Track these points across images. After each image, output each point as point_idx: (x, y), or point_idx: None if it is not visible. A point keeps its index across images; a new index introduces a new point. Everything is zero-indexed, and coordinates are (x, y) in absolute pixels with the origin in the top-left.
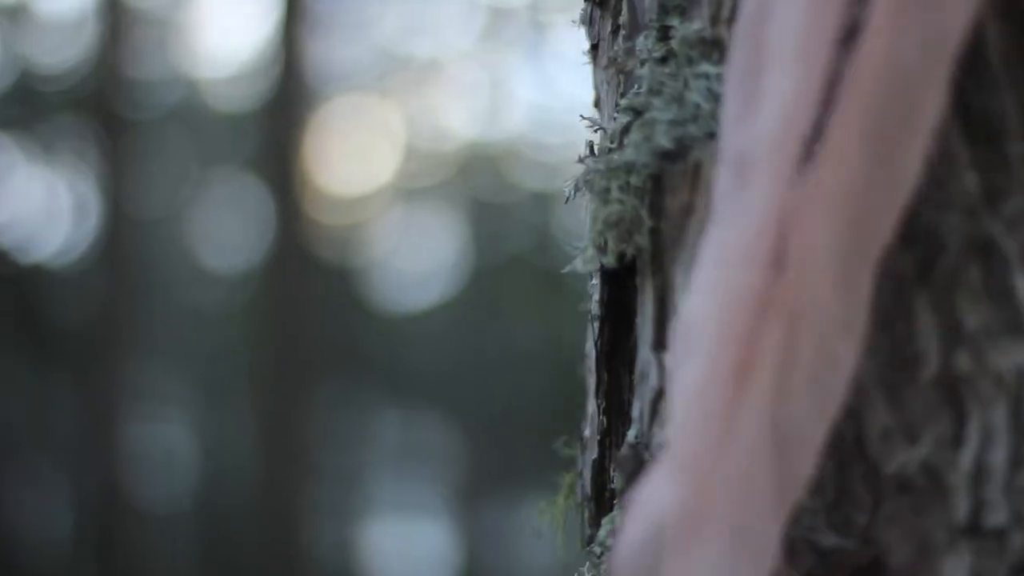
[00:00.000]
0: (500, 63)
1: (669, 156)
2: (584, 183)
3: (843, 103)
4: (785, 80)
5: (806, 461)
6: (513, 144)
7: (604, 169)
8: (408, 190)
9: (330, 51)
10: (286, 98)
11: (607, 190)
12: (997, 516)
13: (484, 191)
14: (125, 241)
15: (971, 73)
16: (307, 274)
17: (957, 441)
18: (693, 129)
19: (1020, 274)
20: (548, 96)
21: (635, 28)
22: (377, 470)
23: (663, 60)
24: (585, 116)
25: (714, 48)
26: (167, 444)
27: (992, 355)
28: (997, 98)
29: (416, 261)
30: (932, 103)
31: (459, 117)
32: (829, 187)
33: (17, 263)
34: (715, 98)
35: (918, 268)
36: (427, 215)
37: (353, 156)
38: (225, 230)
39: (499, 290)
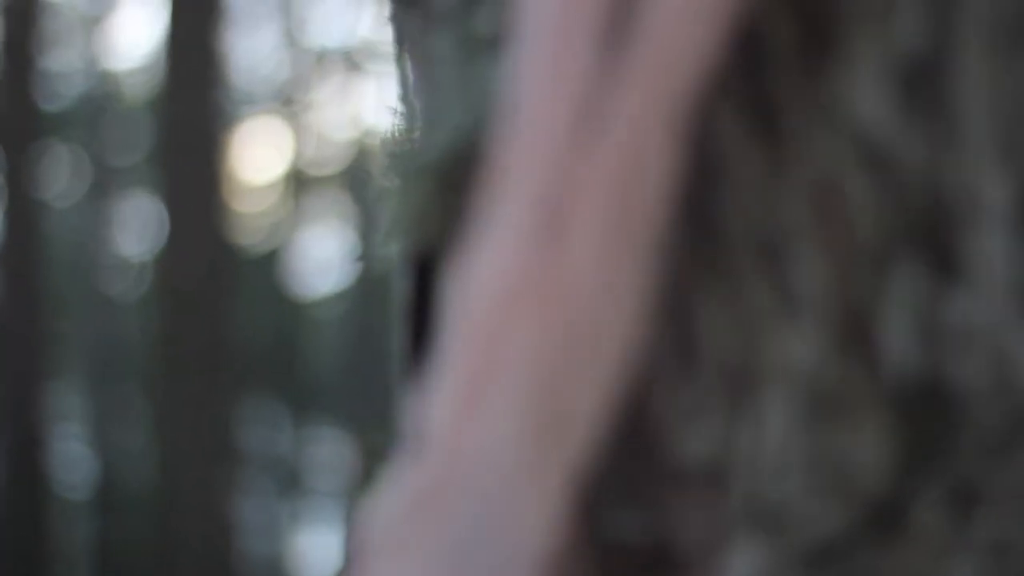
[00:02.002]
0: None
1: (464, 150)
2: (385, 175)
3: (625, 78)
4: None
5: (577, 445)
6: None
7: (404, 161)
8: (307, 178)
9: (235, 39)
10: (189, 87)
11: (407, 182)
12: (786, 503)
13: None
14: (32, 229)
15: (748, 56)
16: (206, 261)
17: (736, 430)
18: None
19: (796, 261)
20: None
21: (432, 23)
22: (278, 451)
23: (459, 55)
24: (390, 108)
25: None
26: (70, 433)
27: (769, 343)
28: (776, 78)
29: (315, 249)
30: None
31: (358, 106)
32: (609, 162)
33: None
34: None
35: (696, 253)
36: (325, 203)
37: (255, 145)
38: (130, 218)
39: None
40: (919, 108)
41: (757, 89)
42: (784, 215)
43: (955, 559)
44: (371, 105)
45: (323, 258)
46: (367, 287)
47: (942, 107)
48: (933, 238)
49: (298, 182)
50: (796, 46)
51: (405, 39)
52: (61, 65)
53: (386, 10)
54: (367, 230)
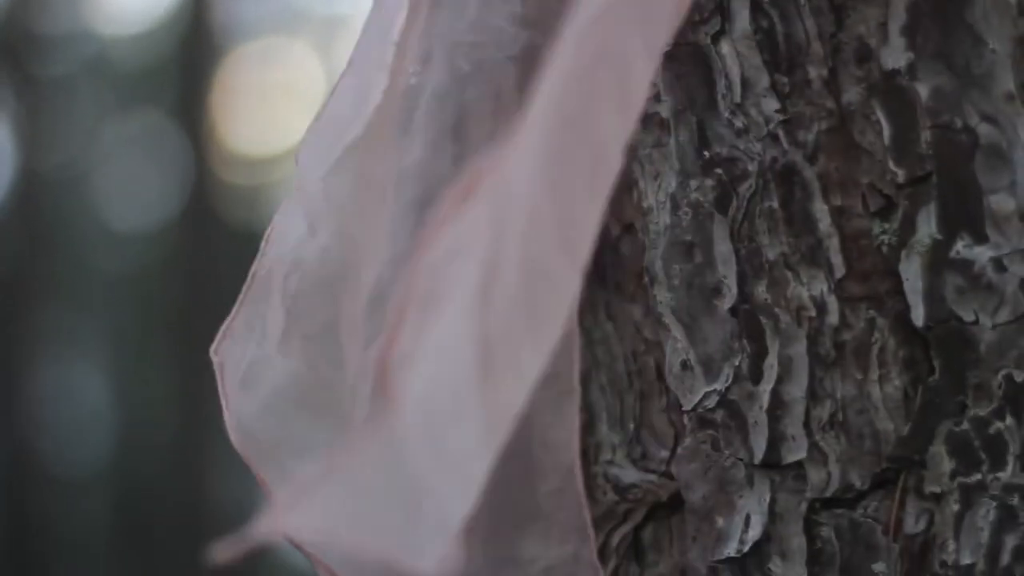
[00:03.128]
0: None
1: None
2: None
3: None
4: None
5: (515, 391)
6: None
7: None
8: None
9: (243, 8)
10: (196, 56)
11: None
12: (795, 451)
13: None
14: (35, 199)
15: (776, 3)
16: (219, 235)
17: (756, 375)
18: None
19: (820, 202)
20: None
21: None
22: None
23: None
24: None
25: None
26: (81, 406)
27: (792, 285)
28: (799, 26)
29: None
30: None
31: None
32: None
33: None
34: None
35: (716, 196)
36: None
37: (266, 115)
38: (136, 188)
39: None
40: (941, 49)
41: (783, 28)
42: (805, 154)
43: (971, 506)
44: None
45: None
46: None
47: (964, 49)
48: (951, 177)
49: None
50: None
51: None
52: (62, 29)
53: None
54: None
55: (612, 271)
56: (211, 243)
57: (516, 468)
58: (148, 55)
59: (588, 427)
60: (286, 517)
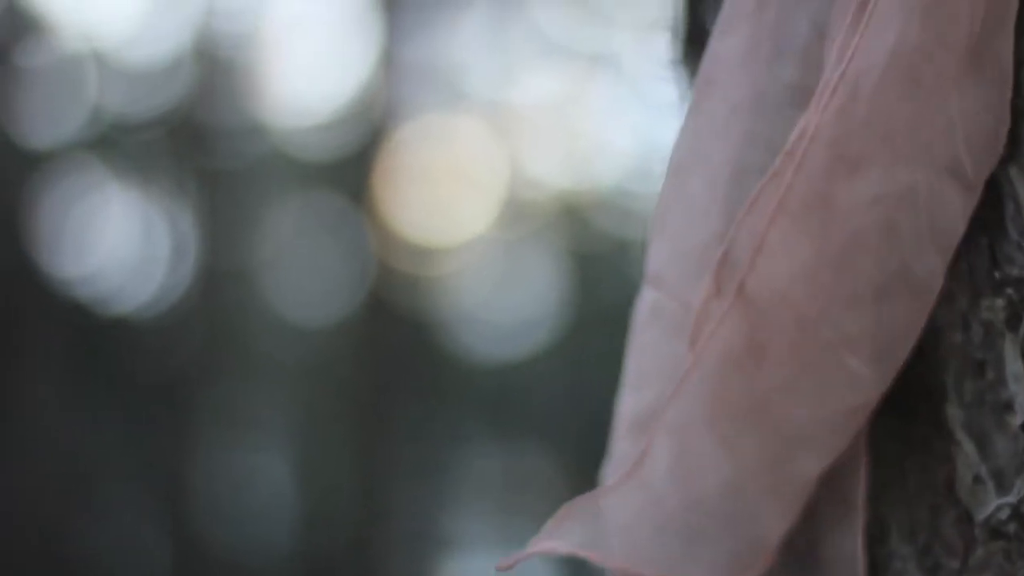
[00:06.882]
0: (591, 110)
1: None
2: None
3: None
4: None
5: (814, 463)
6: (605, 193)
7: None
8: (498, 240)
9: (416, 98)
10: (371, 148)
11: None
12: None
13: (576, 241)
14: (215, 292)
15: None
16: (396, 325)
17: None
18: None
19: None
20: (640, 144)
21: None
22: (476, 529)
23: None
24: None
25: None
26: (261, 496)
27: None
28: None
29: (507, 313)
30: None
31: (550, 166)
32: None
33: (103, 315)
34: None
35: (1007, 314)
36: (518, 266)
37: (441, 205)
38: (314, 279)
39: (591, 343)
40: None
41: None
42: None
43: None
44: (561, 162)
45: (517, 320)
46: (564, 350)
47: None
48: None
49: (494, 242)
50: None
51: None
52: (238, 123)
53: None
54: (564, 292)
55: (898, 391)
56: (388, 333)
57: None
58: (323, 147)
59: (880, 539)
60: (547, 537)
